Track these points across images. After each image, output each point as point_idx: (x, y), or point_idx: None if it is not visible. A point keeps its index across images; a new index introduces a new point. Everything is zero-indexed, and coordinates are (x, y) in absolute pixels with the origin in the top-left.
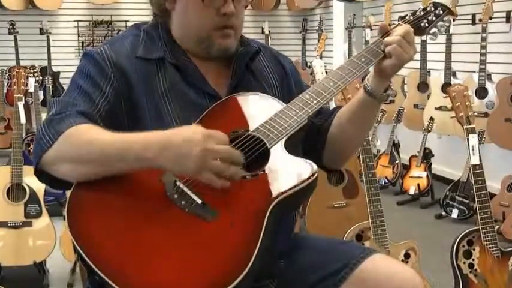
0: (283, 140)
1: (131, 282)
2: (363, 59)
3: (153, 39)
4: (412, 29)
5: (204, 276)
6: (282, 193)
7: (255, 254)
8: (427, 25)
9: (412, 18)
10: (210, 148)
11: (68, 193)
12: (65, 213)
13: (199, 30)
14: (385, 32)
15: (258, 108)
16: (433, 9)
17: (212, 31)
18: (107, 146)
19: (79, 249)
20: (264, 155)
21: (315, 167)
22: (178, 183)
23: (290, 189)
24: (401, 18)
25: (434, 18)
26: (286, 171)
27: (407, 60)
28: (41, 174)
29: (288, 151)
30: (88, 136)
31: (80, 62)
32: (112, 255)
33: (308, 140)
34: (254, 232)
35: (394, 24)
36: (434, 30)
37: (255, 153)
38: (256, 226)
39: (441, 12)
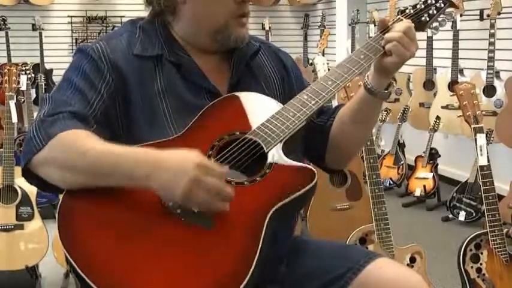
0: (281, 143)
1: None
2: (362, 56)
3: (150, 36)
4: (413, 25)
5: (203, 286)
6: (281, 200)
7: (254, 262)
8: (428, 19)
9: (412, 11)
10: (201, 180)
11: (61, 197)
12: (56, 222)
13: (217, 19)
14: (384, 27)
15: (255, 109)
16: (433, 2)
17: (230, 19)
18: (97, 160)
19: (71, 260)
20: (261, 159)
21: (315, 172)
22: None
23: (289, 195)
24: (401, 12)
25: (435, 12)
26: (285, 176)
27: (409, 57)
28: (29, 176)
29: (286, 154)
30: (79, 145)
31: (74, 57)
32: (105, 265)
33: (310, 141)
34: (253, 240)
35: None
36: (435, 24)
37: (252, 158)
38: (255, 233)
39: (442, 5)
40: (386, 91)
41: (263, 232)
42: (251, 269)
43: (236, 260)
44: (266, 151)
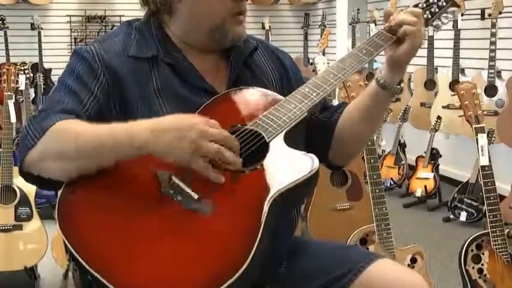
0: (283, 133)
1: (125, 279)
2: (364, 51)
3: (146, 37)
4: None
5: (202, 272)
6: (282, 187)
7: (253, 250)
8: (429, 17)
9: None
10: (204, 131)
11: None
12: (55, 211)
13: (213, 18)
14: (389, 15)
15: (256, 103)
16: (436, 0)
17: (227, 17)
18: (96, 137)
19: (70, 248)
20: (263, 149)
21: (316, 160)
22: (173, 178)
23: (290, 183)
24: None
25: (437, 10)
26: (286, 164)
27: (420, 43)
28: (27, 174)
29: (288, 145)
30: (75, 129)
31: (70, 60)
32: (105, 252)
33: (313, 137)
34: (253, 227)
35: None
36: (437, 22)
37: (254, 147)
38: (255, 221)
39: (444, 3)
40: (398, 86)
41: (263, 220)
42: (249, 257)
43: (235, 246)
44: (268, 141)
